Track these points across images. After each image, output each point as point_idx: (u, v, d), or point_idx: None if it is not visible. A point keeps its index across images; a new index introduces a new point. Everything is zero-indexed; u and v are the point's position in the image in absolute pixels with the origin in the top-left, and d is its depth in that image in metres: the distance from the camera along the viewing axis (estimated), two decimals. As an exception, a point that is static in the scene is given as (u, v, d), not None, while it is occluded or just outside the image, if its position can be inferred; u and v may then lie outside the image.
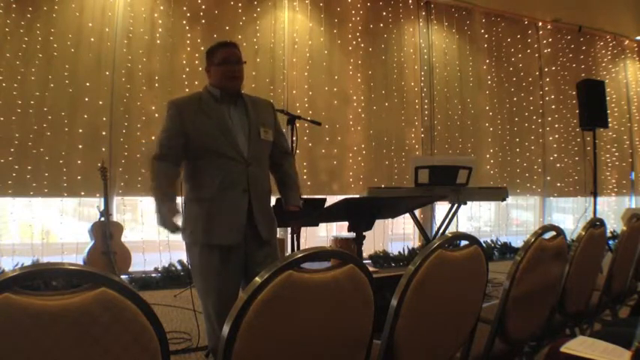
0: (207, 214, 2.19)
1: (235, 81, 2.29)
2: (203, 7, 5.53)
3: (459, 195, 4.09)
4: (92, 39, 5.05)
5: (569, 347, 1.30)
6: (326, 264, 1.21)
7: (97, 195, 4.85)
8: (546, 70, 7.60)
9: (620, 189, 8.12)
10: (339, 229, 6.05)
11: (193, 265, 2.30)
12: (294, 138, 2.97)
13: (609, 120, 5.85)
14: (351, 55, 6.27)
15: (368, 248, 6.00)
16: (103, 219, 4.55)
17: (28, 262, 4.53)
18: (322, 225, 5.72)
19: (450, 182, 4.08)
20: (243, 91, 2.37)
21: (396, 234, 6.78)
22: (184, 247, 2.34)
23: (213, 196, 2.20)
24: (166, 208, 2.19)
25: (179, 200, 2.31)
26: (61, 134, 4.88)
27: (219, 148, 2.20)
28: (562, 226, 1.99)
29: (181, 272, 5.04)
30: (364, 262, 1.57)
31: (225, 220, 2.18)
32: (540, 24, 7.60)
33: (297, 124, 3.06)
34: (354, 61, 6.28)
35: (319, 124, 3.34)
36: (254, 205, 2.24)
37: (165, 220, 2.18)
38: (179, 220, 2.22)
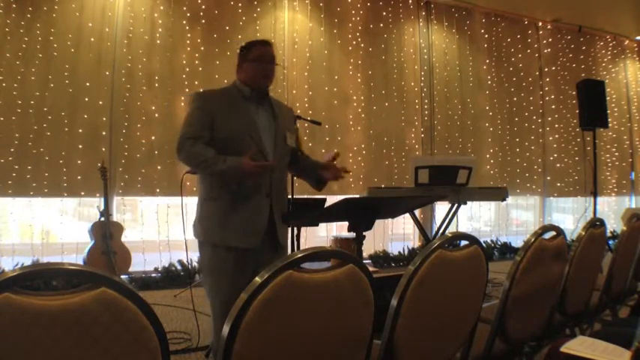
0: (225, 214, 2.13)
1: (267, 80, 2.25)
2: (203, 7, 5.53)
3: (459, 195, 4.09)
4: (92, 39, 5.05)
5: (569, 347, 1.30)
6: (326, 264, 1.21)
7: (97, 195, 4.85)
8: (546, 70, 7.60)
9: (620, 189, 8.12)
10: (339, 229, 6.05)
11: (204, 264, 2.24)
12: (294, 138, 2.98)
13: (609, 120, 5.85)
14: (351, 55, 6.27)
15: (368, 248, 6.00)
16: (103, 219, 4.55)
17: (28, 262, 4.53)
18: (322, 225, 5.72)
19: (450, 182, 4.08)
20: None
21: (396, 234, 6.78)
22: (184, 245, 2.32)
23: (234, 197, 2.13)
24: (232, 159, 2.04)
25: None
26: (61, 134, 4.88)
27: (245, 148, 2.10)
28: (562, 226, 1.99)
29: (181, 272, 5.04)
30: (364, 262, 1.57)
31: (244, 222, 2.13)
32: (540, 24, 7.60)
33: (298, 124, 3.06)
34: (354, 61, 6.28)
35: (319, 124, 3.32)
36: (275, 210, 2.19)
37: (240, 163, 2.01)
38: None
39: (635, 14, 7.31)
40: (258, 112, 2.24)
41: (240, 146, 2.11)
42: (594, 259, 2.30)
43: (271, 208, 2.18)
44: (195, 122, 2.16)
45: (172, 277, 4.98)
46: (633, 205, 8.25)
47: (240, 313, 0.99)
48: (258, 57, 2.21)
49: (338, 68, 6.18)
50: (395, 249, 6.29)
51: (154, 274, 5.02)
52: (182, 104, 5.37)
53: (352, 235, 2.19)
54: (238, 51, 2.31)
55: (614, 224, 7.83)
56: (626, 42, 8.38)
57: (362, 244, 2.29)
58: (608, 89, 6.90)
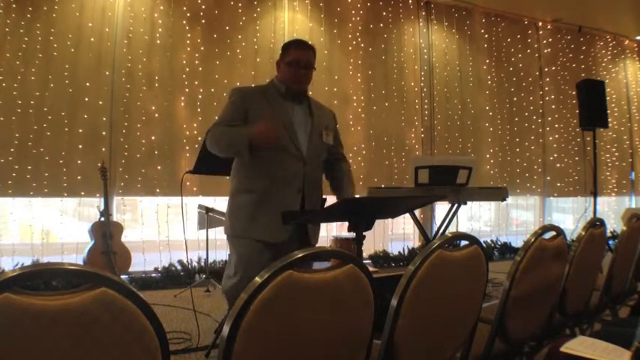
0: (254, 207, 2.14)
1: (300, 85, 2.27)
2: (203, 7, 5.53)
3: (459, 195, 4.08)
4: (92, 39, 5.05)
5: (569, 347, 1.30)
6: (326, 264, 1.21)
7: (97, 195, 4.85)
8: (546, 70, 7.60)
9: (620, 189, 8.12)
10: (339, 229, 6.05)
11: (232, 259, 2.23)
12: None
13: (609, 120, 5.85)
14: (351, 55, 6.27)
15: (368, 248, 6.00)
16: (103, 219, 4.55)
17: (28, 262, 4.53)
18: (322, 225, 5.70)
19: (450, 182, 4.08)
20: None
21: (396, 234, 6.78)
22: (184, 245, 2.32)
23: (265, 190, 2.14)
24: (244, 129, 2.07)
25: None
26: (61, 134, 4.88)
27: (280, 142, 2.12)
28: (562, 226, 1.98)
29: (181, 272, 5.04)
30: (364, 262, 1.56)
31: (273, 216, 2.09)
32: (540, 24, 7.60)
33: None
34: (354, 61, 6.28)
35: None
36: (307, 206, 2.18)
37: (250, 131, 2.04)
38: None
39: (635, 14, 7.31)
40: (295, 109, 2.26)
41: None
42: (594, 259, 2.29)
43: (303, 204, 2.17)
44: (227, 114, 2.19)
45: (172, 277, 4.98)
46: (633, 205, 8.25)
47: (240, 313, 0.99)
48: (293, 61, 2.22)
49: (338, 68, 6.18)
50: (395, 249, 6.29)
51: (154, 274, 5.01)
52: (182, 104, 5.37)
53: (352, 235, 2.18)
54: (281, 48, 2.32)
55: (614, 224, 7.83)
56: (626, 42, 8.38)
57: (362, 244, 2.29)
58: (608, 89, 6.90)
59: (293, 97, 2.27)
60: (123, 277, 4.52)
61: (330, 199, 2.38)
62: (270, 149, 2.11)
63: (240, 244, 2.18)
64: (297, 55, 2.22)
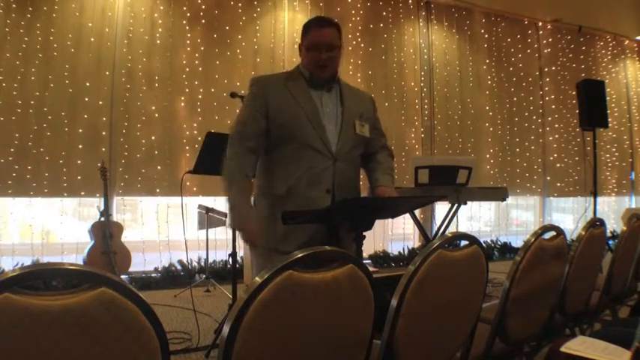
0: (275, 212, 1.89)
1: (324, 71, 1.97)
2: (203, 7, 5.53)
3: (459, 195, 4.08)
4: (92, 39, 5.05)
5: (569, 347, 1.30)
6: (326, 264, 1.21)
7: (97, 195, 4.85)
8: (546, 70, 7.60)
9: (620, 189, 8.12)
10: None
11: (255, 271, 2.04)
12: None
13: (609, 120, 5.85)
14: (351, 55, 6.27)
15: (368, 248, 5.99)
16: (103, 219, 4.55)
17: (28, 262, 4.53)
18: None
19: (450, 182, 4.08)
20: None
21: (396, 234, 6.78)
22: (184, 245, 2.28)
23: (289, 193, 1.90)
24: (243, 207, 1.88)
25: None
26: (61, 134, 4.88)
27: (304, 137, 1.90)
28: (562, 226, 1.98)
29: (181, 272, 5.04)
30: (364, 262, 1.53)
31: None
32: (540, 24, 7.61)
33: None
34: (354, 61, 6.28)
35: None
36: None
37: (243, 220, 1.87)
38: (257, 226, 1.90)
39: (635, 14, 7.31)
40: (323, 97, 2.00)
41: (299, 133, 1.91)
42: (594, 259, 2.30)
43: None
44: (244, 114, 1.97)
45: (172, 277, 4.98)
46: (633, 205, 8.25)
47: (240, 313, 0.99)
48: (313, 45, 1.93)
49: (338, 68, 6.17)
50: (395, 249, 6.29)
51: (154, 274, 5.01)
52: (182, 104, 5.37)
53: (352, 235, 2.17)
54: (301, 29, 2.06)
55: (614, 224, 7.83)
56: (626, 42, 8.38)
57: (362, 244, 2.29)
58: (608, 89, 6.90)
59: (321, 84, 2.01)
60: (123, 277, 4.53)
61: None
62: (295, 146, 1.92)
63: (261, 255, 1.97)
64: (316, 37, 1.93)
